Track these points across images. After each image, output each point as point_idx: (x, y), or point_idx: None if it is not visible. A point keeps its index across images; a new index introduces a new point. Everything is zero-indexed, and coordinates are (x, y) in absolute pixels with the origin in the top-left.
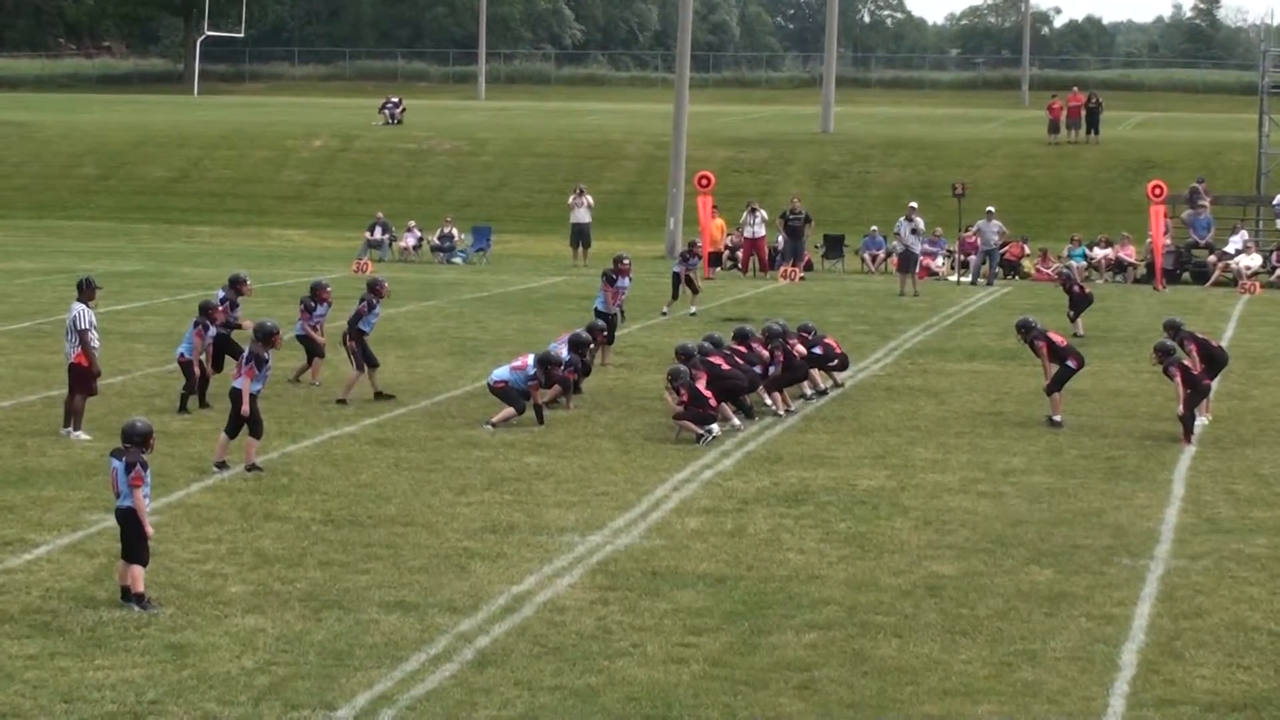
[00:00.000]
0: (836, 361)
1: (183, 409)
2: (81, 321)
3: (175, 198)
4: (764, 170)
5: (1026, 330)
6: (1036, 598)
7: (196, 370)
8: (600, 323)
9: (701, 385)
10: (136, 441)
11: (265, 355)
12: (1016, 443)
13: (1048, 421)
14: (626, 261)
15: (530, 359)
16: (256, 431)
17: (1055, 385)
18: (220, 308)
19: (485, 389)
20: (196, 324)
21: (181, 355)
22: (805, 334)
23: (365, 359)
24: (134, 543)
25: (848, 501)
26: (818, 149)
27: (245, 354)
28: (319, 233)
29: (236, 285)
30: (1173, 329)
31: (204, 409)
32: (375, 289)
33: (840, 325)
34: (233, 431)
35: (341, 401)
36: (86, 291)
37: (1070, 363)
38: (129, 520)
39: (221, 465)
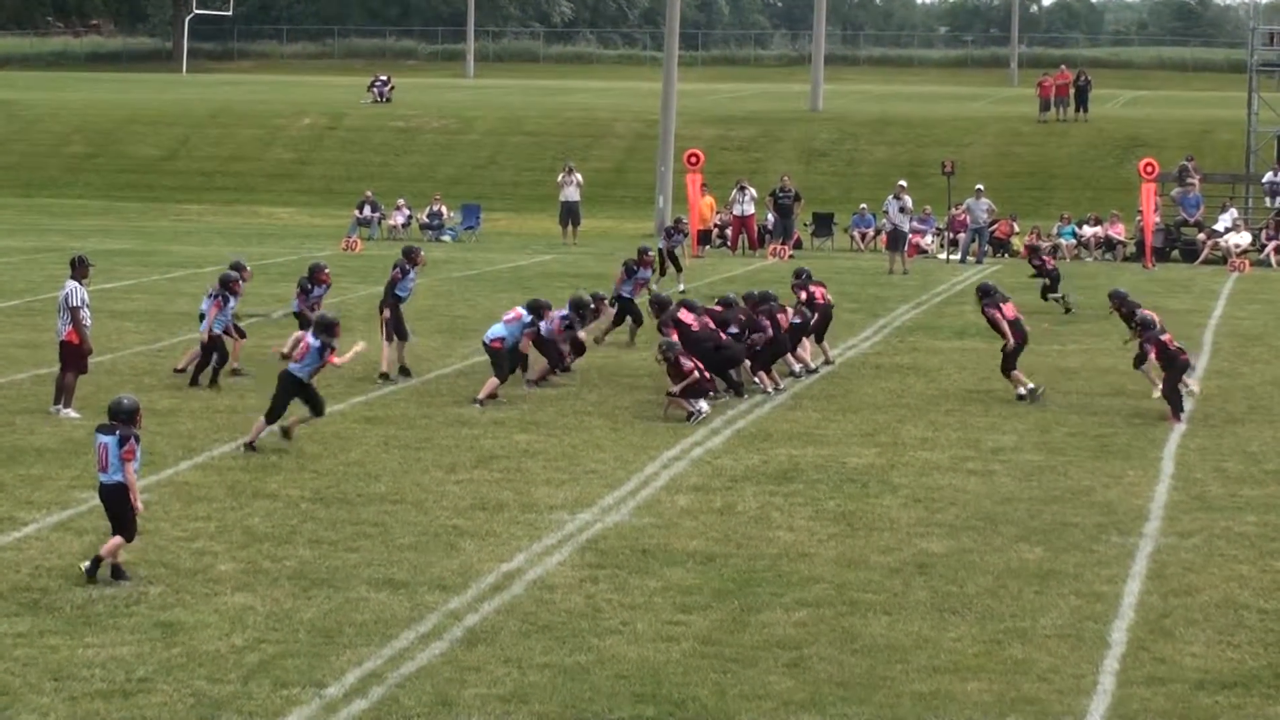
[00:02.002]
0: (816, 315)
1: (213, 382)
2: (74, 299)
3: (164, 176)
4: (752, 148)
5: (986, 294)
6: (1026, 575)
7: (235, 339)
8: (602, 293)
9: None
10: (124, 419)
11: (333, 343)
12: (1006, 421)
13: (1025, 396)
14: (650, 254)
15: (522, 310)
16: (273, 417)
17: (1009, 365)
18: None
19: (474, 368)
20: (215, 295)
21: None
22: (796, 277)
23: (397, 330)
24: (122, 515)
25: (837, 479)
26: (806, 127)
27: (319, 344)
28: (308, 211)
29: (238, 271)
30: (1118, 299)
31: (211, 387)
32: (410, 256)
33: None
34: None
35: (384, 376)
36: (80, 269)
37: (1014, 338)
38: (117, 495)
39: (250, 447)
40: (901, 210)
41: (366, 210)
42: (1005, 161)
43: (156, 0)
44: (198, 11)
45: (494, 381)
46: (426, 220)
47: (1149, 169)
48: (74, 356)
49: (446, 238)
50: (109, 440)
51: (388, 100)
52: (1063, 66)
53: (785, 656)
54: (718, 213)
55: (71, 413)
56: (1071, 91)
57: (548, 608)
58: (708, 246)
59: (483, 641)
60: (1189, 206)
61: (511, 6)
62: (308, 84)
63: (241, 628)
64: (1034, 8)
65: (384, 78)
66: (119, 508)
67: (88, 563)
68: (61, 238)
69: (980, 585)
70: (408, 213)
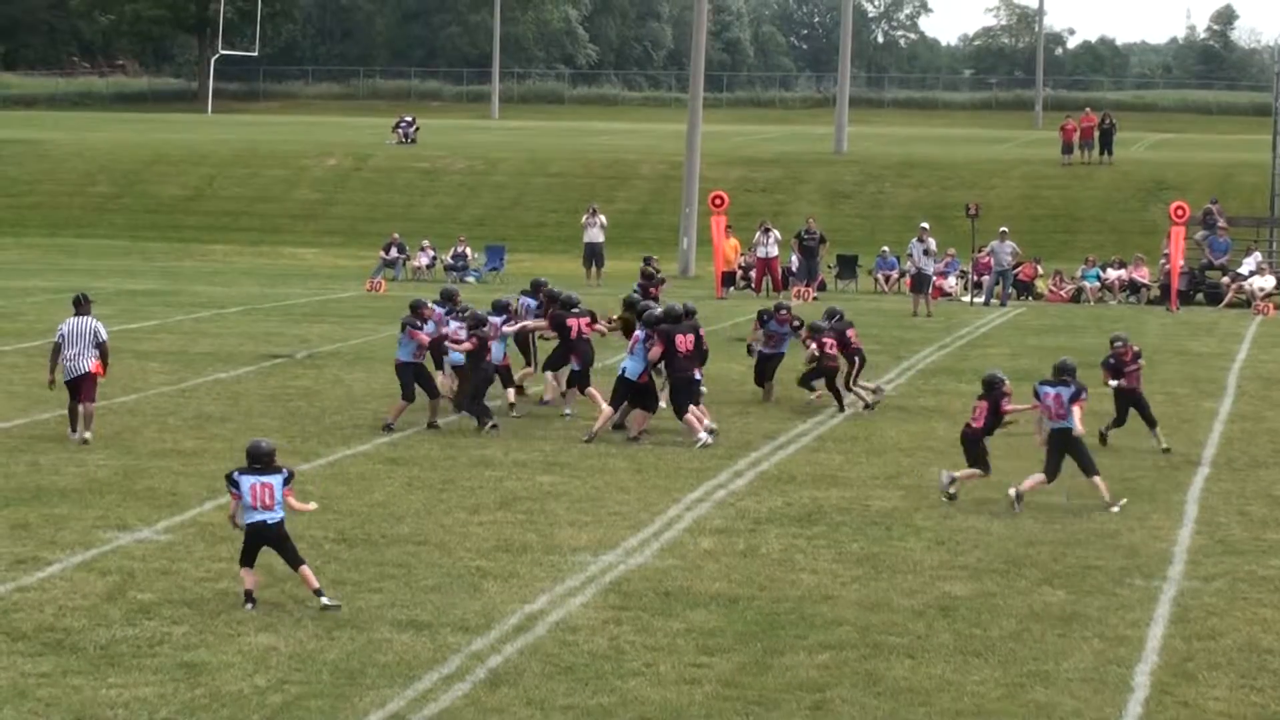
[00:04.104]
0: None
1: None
2: (103, 333)
3: (189, 216)
4: (777, 190)
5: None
6: (1049, 618)
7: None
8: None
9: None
10: (271, 459)
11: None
12: (1030, 464)
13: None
14: (785, 312)
15: (638, 332)
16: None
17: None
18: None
19: (498, 410)
20: (406, 326)
21: (399, 360)
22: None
23: (504, 377)
24: (288, 547)
25: (860, 522)
26: (831, 169)
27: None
28: (332, 251)
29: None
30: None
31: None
32: (504, 308)
33: None
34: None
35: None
36: (86, 306)
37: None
38: (282, 531)
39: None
40: (925, 253)
41: (393, 251)
42: (1030, 204)
43: (182, 41)
44: (223, 52)
45: (643, 415)
46: (451, 261)
47: (1179, 212)
48: (94, 386)
49: (471, 279)
50: (273, 480)
51: (413, 141)
52: (1087, 109)
53: (808, 699)
54: (742, 255)
55: (88, 435)
56: (1096, 134)
57: (571, 649)
58: (731, 288)
59: (506, 683)
60: (1218, 250)
61: (536, 48)
62: (333, 124)
63: (265, 668)
64: (1059, 51)
65: (409, 118)
66: (285, 542)
67: (325, 599)
68: (86, 278)
69: (1004, 628)
70: (432, 254)
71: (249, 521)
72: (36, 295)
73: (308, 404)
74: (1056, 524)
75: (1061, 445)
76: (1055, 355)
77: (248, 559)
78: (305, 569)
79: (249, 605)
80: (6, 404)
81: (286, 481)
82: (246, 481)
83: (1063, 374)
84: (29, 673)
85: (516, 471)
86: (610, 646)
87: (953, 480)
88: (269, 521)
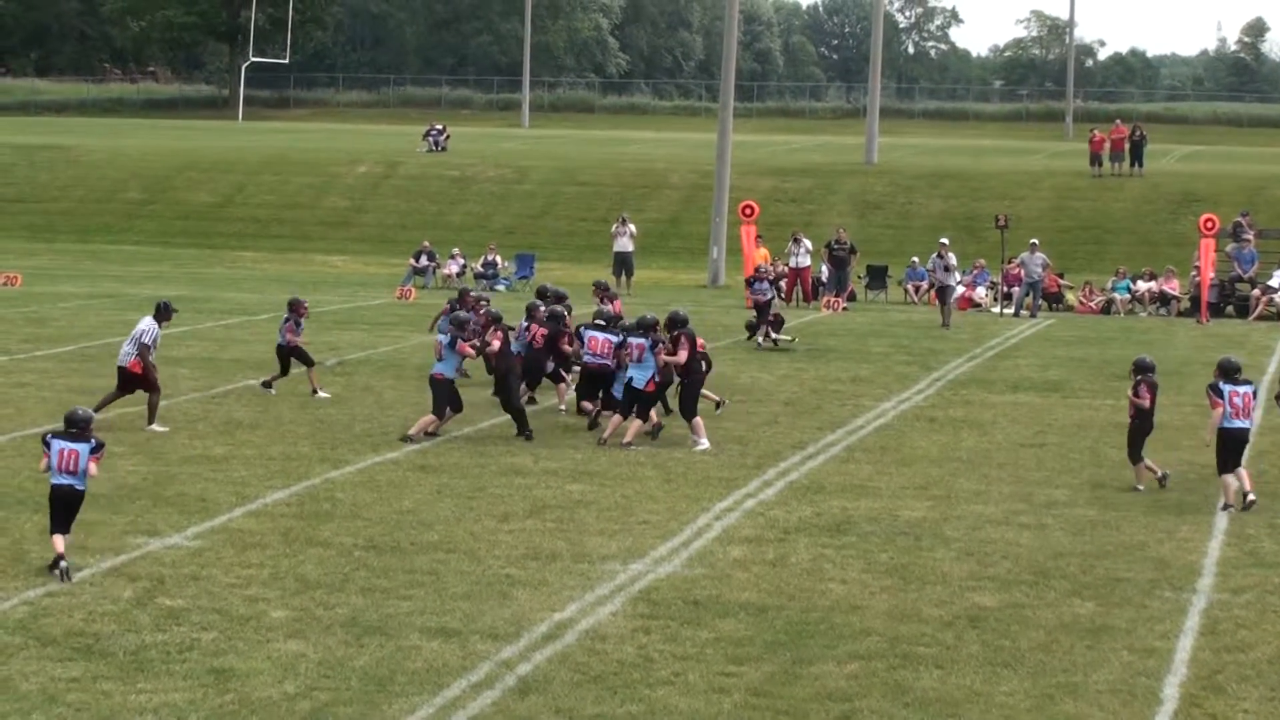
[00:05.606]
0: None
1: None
2: (147, 337)
3: (219, 223)
4: (807, 200)
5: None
6: (1078, 630)
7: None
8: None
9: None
10: (87, 426)
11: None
12: (1059, 475)
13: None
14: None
15: (642, 340)
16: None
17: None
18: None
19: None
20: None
21: (439, 374)
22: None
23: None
24: (75, 515)
25: (890, 532)
26: (861, 179)
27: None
28: (362, 259)
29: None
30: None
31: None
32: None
33: (883, 356)
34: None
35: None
36: (157, 310)
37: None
38: (79, 498)
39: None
40: (946, 269)
41: (423, 259)
42: (1060, 216)
43: (213, 48)
44: (254, 59)
45: (640, 424)
46: (481, 269)
47: (1209, 224)
48: (130, 383)
49: (501, 287)
50: (80, 448)
51: (443, 149)
52: (1118, 121)
53: (837, 709)
54: (772, 264)
55: (157, 427)
56: (1127, 146)
57: (600, 658)
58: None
59: (535, 691)
60: (1244, 262)
61: (567, 57)
62: (363, 132)
63: (294, 675)
64: (1089, 62)
65: (439, 126)
66: (75, 509)
67: (63, 564)
68: (116, 284)
69: (1032, 640)
70: (462, 261)
71: (55, 483)
72: (68, 301)
73: (337, 411)
74: (1085, 535)
75: (1238, 444)
76: (1084, 367)
77: (56, 524)
78: (67, 538)
79: (58, 571)
80: (38, 409)
81: (94, 450)
82: (56, 445)
83: (1235, 372)
84: (59, 678)
85: (546, 479)
86: (639, 655)
87: None
88: (76, 487)
